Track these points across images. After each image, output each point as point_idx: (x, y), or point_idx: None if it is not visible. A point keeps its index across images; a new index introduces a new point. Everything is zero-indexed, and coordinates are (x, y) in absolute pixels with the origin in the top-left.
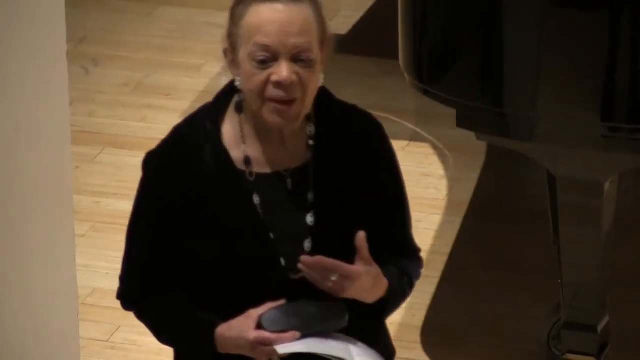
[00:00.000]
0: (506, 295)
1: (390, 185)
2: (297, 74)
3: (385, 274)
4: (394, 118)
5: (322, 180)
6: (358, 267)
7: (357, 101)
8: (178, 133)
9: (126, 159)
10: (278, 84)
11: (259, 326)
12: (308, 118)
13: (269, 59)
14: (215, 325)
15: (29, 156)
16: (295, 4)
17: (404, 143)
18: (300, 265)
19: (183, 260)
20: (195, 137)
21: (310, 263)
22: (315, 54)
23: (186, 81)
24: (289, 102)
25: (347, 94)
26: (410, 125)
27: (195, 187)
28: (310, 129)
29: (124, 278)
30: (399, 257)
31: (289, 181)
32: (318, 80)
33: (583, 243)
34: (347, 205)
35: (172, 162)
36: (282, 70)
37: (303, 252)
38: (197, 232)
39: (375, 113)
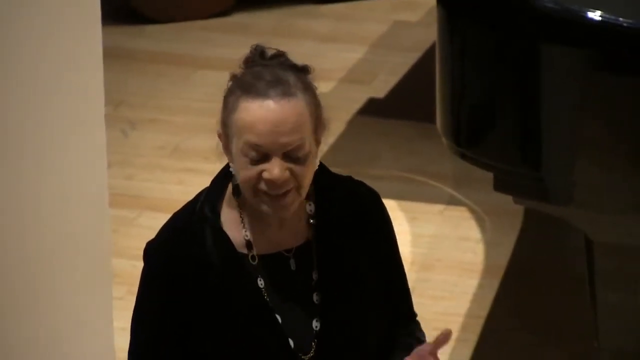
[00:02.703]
0: (543, 359)
1: (391, 254)
2: (289, 169)
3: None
4: (431, 182)
5: (325, 258)
6: None
7: (394, 165)
8: (177, 221)
9: (164, 222)
10: (270, 182)
11: None
12: (307, 196)
13: (260, 157)
14: None
15: (68, 219)
16: (287, 100)
17: (441, 207)
18: None
19: (189, 349)
20: (194, 224)
21: None
22: (308, 147)
23: None
24: (282, 194)
25: (384, 157)
26: (447, 189)
27: (198, 275)
28: (310, 207)
29: None
30: (404, 324)
31: (292, 262)
32: (314, 166)
33: (621, 308)
34: (352, 280)
35: (173, 251)
36: (274, 169)
37: (312, 332)
38: (203, 320)
39: (413, 176)
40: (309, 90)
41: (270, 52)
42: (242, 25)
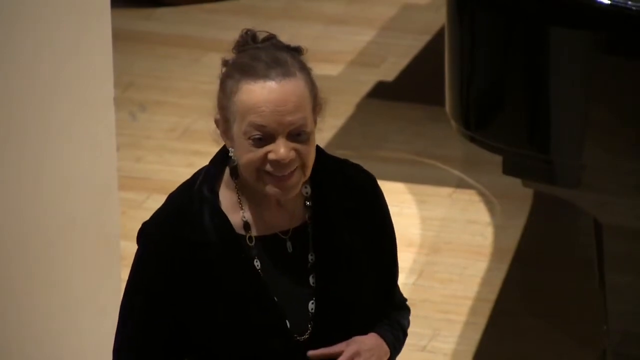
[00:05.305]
0: (552, 343)
1: (385, 239)
2: (294, 149)
3: (382, 334)
4: (440, 165)
5: (321, 240)
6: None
7: (403, 147)
8: (174, 201)
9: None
10: (276, 162)
11: None
12: None
13: (265, 138)
14: None
15: (77, 202)
16: (287, 80)
17: (450, 190)
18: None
19: (183, 331)
20: (193, 204)
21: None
22: (310, 125)
23: None
24: (288, 175)
25: (393, 140)
26: (456, 172)
27: (195, 256)
28: (306, 190)
29: (119, 354)
30: (392, 309)
31: (288, 244)
32: (315, 146)
33: (629, 290)
34: (347, 263)
35: (171, 232)
36: (280, 149)
37: (308, 313)
38: (199, 301)
39: (421, 159)
40: (305, 70)
41: (261, 35)
42: (252, 7)
